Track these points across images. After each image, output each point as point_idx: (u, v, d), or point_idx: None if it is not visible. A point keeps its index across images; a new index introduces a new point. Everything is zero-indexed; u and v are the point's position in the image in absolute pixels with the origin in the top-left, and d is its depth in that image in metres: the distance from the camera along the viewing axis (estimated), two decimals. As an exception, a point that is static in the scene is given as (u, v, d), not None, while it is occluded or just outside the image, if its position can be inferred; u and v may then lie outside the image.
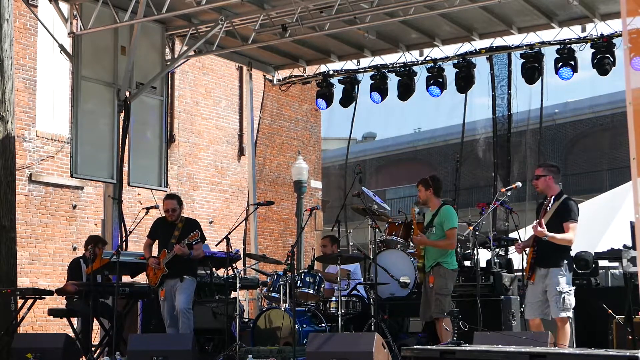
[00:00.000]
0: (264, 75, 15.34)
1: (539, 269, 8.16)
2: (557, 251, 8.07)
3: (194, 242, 9.55)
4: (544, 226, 7.96)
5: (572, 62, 11.82)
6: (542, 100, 13.54)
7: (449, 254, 8.97)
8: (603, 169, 27.85)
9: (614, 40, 11.54)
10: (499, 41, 12.81)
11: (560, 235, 8.02)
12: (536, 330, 8.08)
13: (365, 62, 13.89)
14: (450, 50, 13.11)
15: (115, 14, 11.35)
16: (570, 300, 8.04)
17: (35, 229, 15.35)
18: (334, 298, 9.67)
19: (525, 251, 8.47)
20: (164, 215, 10.00)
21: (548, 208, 8.05)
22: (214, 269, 11.05)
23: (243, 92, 19.70)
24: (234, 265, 10.53)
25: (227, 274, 10.18)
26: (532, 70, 12.19)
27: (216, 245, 10.48)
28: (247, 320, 10.60)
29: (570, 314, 8.07)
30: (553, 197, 8.12)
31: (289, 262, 9.21)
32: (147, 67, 12.45)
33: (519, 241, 9.67)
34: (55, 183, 15.75)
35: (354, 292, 10.09)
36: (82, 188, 16.22)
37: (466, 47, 12.92)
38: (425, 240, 8.95)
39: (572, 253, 10.64)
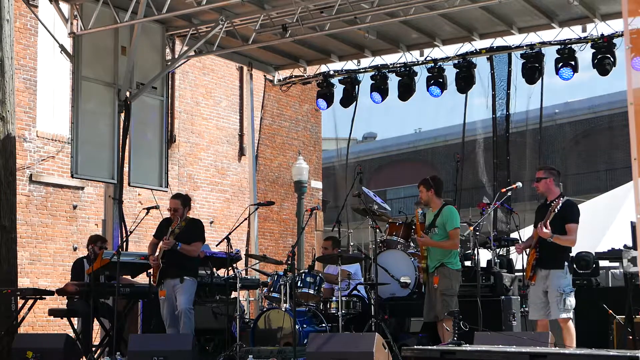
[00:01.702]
0: (265, 76, 15.34)
1: (540, 270, 8.24)
2: (559, 252, 8.18)
3: (176, 228, 9.58)
4: (549, 227, 8.02)
5: (573, 62, 11.82)
6: (541, 101, 13.54)
7: (453, 255, 8.97)
8: (603, 169, 27.86)
9: (615, 41, 11.53)
10: (499, 41, 12.80)
11: (565, 237, 8.12)
12: (542, 331, 8.15)
13: (365, 62, 13.89)
14: (451, 50, 13.11)
15: (116, 14, 11.35)
16: (571, 301, 8.14)
17: (36, 229, 15.35)
18: (334, 298, 9.67)
19: (525, 252, 8.52)
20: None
21: (556, 210, 8.09)
22: (214, 269, 11.05)
23: (243, 92, 19.70)
24: (234, 265, 10.54)
25: (228, 274, 10.18)
26: (533, 71, 12.18)
27: (216, 246, 10.48)
28: (247, 320, 10.60)
29: (571, 314, 8.15)
30: (561, 200, 8.17)
31: (289, 262, 9.21)
32: (148, 67, 12.45)
33: (520, 242, 9.71)
34: (56, 183, 15.75)
35: (354, 292, 10.09)
36: (82, 188, 16.22)
37: (466, 47, 12.92)
38: (429, 241, 8.96)
39: (573, 253, 10.70)
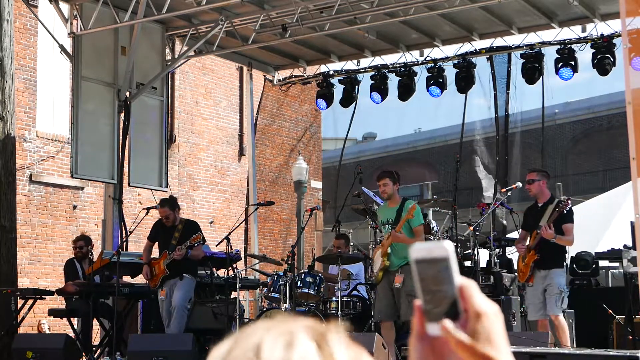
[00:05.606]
0: (264, 76, 15.33)
1: (539, 270, 8.31)
2: (559, 252, 8.39)
3: (195, 244, 9.55)
4: (552, 228, 8.12)
5: (573, 62, 11.82)
6: (543, 100, 13.54)
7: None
8: (604, 169, 27.84)
9: (614, 41, 11.52)
10: (499, 41, 12.81)
11: (566, 237, 8.30)
12: (543, 331, 8.21)
13: (365, 62, 13.89)
14: (451, 50, 13.12)
15: (116, 14, 11.35)
16: (567, 300, 8.37)
17: (36, 229, 15.36)
18: (334, 298, 9.67)
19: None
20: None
21: (565, 211, 8.28)
22: (214, 269, 11.05)
23: (243, 92, 19.69)
24: (234, 265, 10.54)
25: (227, 274, 10.18)
26: (533, 71, 12.18)
27: (216, 246, 10.48)
28: (247, 320, 10.60)
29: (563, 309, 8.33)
30: (557, 201, 8.37)
31: (289, 262, 9.21)
32: (148, 68, 12.46)
33: (521, 242, 9.72)
34: (56, 183, 15.75)
35: (355, 292, 10.09)
36: (82, 188, 16.22)
37: (466, 47, 12.92)
38: (403, 237, 8.48)
39: (572, 253, 10.82)
